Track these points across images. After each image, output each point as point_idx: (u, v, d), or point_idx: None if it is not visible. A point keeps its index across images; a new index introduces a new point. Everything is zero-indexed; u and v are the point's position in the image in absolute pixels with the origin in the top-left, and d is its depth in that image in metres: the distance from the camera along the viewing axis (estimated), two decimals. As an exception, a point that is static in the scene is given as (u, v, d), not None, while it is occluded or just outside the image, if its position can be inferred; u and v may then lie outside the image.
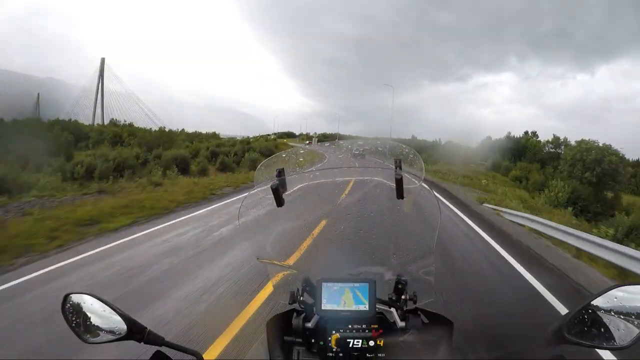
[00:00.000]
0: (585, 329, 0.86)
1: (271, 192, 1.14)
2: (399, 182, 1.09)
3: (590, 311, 0.86)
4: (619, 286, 0.86)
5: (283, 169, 1.19)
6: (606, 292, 0.86)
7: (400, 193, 1.11)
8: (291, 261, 1.38)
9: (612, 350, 0.87)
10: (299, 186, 1.26)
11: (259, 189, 1.23)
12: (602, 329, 0.84)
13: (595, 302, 0.86)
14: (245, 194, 1.26)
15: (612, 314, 0.84)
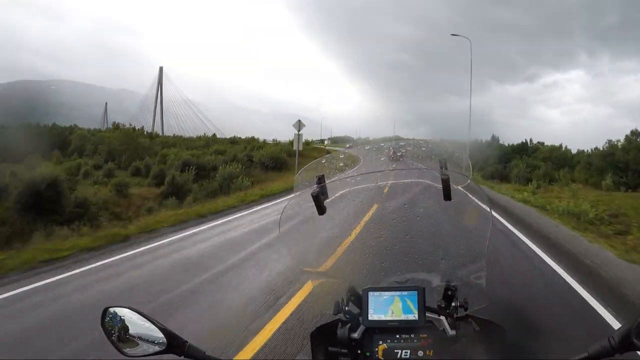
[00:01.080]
0: None
1: (311, 199, 1.11)
2: (446, 183, 1.05)
3: None
4: None
5: (323, 176, 1.16)
6: None
7: (447, 194, 1.06)
8: (334, 270, 1.34)
9: None
10: (340, 192, 1.23)
11: (298, 196, 1.21)
12: None
13: None
14: (285, 203, 1.23)
15: None
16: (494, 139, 36.45)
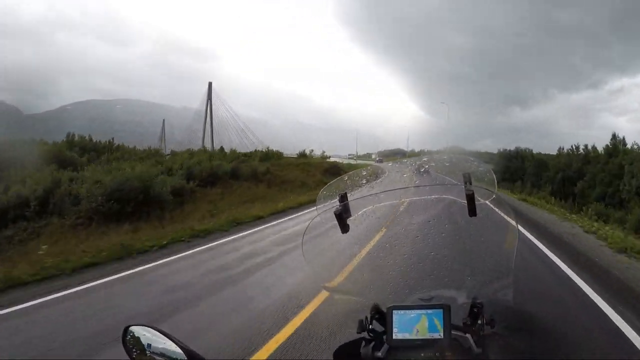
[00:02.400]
0: None
1: (334, 217, 1.11)
2: (471, 198, 1.04)
3: None
4: None
5: (346, 194, 1.16)
6: None
7: (472, 210, 1.05)
8: (358, 288, 1.34)
9: None
10: (364, 210, 1.22)
11: (322, 215, 1.20)
12: None
13: None
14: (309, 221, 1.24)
15: None
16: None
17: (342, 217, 1.11)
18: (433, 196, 1.33)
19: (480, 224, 1.23)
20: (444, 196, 1.30)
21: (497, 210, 1.18)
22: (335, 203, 1.15)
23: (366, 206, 1.22)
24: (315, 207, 1.23)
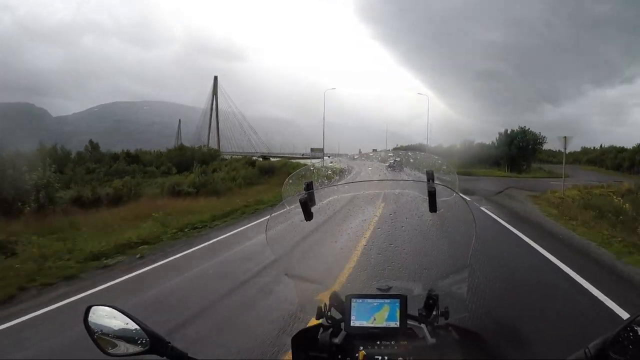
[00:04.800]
0: (631, 346, 0.79)
1: (299, 206, 1.14)
2: (432, 194, 1.07)
3: (636, 328, 0.80)
4: None
5: (311, 182, 1.19)
6: None
7: (433, 206, 1.08)
8: (319, 276, 1.37)
9: None
10: (328, 200, 1.25)
11: (286, 202, 1.23)
12: None
13: None
14: (274, 209, 1.26)
15: None
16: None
17: (307, 205, 1.13)
18: (396, 191, 1.37)
19: (440, 220, 1.28)
20: (407, 191, 1.33)
21: (457, 207, 1.22)
22: (301, 191, 1.17)
23: (331, 196, 1.25)
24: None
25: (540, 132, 43.01)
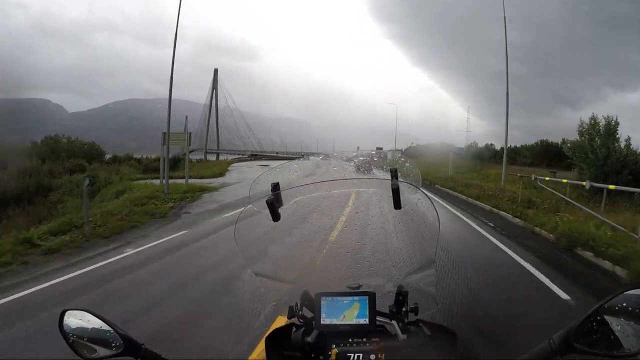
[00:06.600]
0: (595, 336, 0.82)
1: (267, 207, 1.14)
2: (396, 192, 1.08)
3: (599, 318, 0.83)
4: (628, 290, 0.82)
5: (278, 183, 1.19)
6: (615, 296, 0.82)
7: (397, 203, 1.09)
8: (289, 275, 1.38)
9: (622, 359, 0.80)
10: (295, 200, 1.26)
11: (254, 203, 1.23)
12: (612, 336, 0.81)
13: (604, 308, 0.83)
14: (241, 209, 1.27)
15: (622, 319, 0.81)
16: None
17: (274, 205, 1.14)
18: (361, 189, 1.37)
19: (405, 216, 1.28)
20: (372, 189, 1.34)
21: (420, 204, 1.23)
22: (267, 192, 1.18)
23: (297, 196, 1.26)
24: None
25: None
